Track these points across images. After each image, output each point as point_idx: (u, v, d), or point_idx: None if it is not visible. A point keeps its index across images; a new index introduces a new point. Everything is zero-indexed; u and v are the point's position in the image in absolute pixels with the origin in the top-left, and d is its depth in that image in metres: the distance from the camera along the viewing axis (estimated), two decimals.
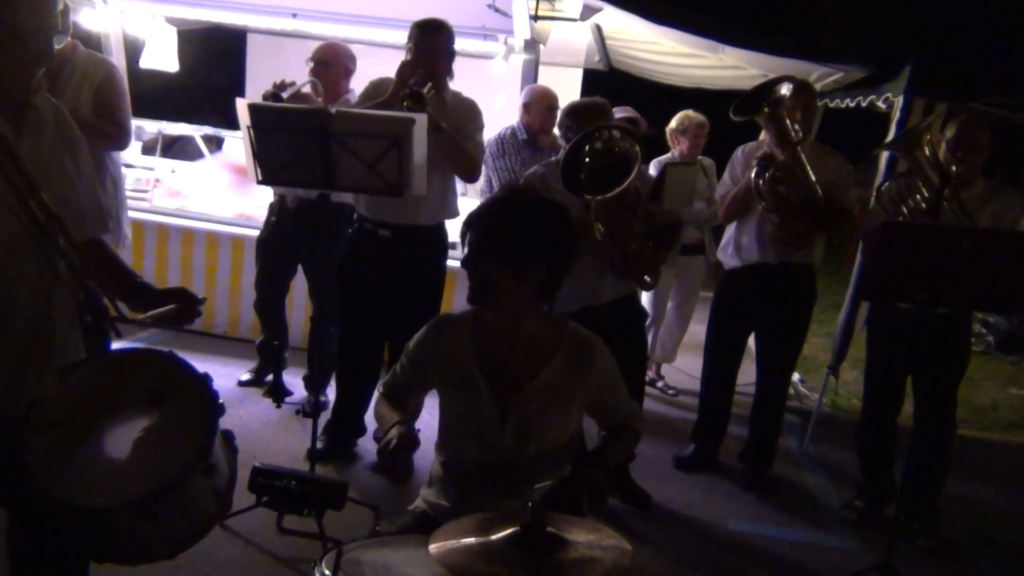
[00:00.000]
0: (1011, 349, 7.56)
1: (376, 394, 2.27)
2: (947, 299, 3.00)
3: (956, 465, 3.75)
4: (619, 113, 4.74)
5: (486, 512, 1.55)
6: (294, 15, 5.09)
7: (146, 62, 5.82)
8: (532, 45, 5.05)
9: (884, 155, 4.49)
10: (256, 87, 7.09)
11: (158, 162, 6.23)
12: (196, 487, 1.66)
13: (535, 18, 5.01)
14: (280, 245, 4.35)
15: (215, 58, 10.72)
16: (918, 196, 3.46)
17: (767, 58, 5.21)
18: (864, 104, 4.96)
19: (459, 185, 4.11)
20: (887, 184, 3.71)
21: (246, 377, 4.69)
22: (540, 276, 2.00)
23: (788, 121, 3.63)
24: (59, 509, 1.59)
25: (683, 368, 5.61)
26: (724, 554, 3.53)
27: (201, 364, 1.75)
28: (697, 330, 5.14)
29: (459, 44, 3.72)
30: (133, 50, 5.78)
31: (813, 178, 3.65)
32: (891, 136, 4.42)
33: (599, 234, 3.30)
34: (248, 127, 3.03)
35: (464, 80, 3.82)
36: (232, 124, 4.60)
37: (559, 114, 3.74)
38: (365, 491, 3.43)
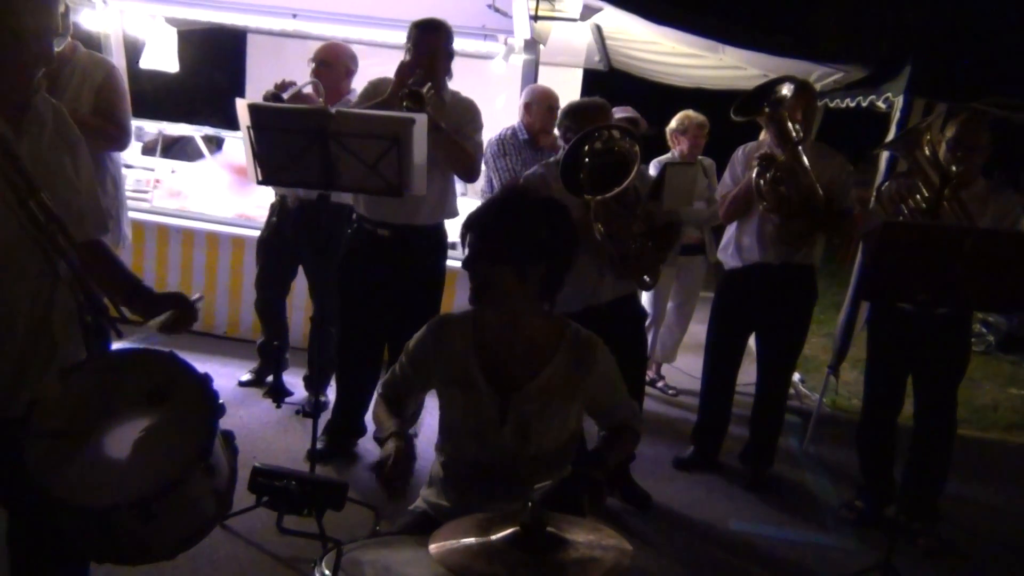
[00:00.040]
0: (1011, 349, 7.57)
1: (376, 395, 2.27)
2: (947, 299, 3.00)
3: (956, 465, 3.75)
4: (619, 113, 4.74)
5: (486, 512, 1.55)
6: (294, 15, 5.09)
7: (146, 62, 5.82)
8: (532, 45, 5.05)
9: (884, 155, 4.49)
10: (256, 87, 7.08)
11: (158, 162, 6.22)
12: (196, 487, 1.67)
13: (535, 18, 5.01)
14: (281, 245, 4.34)
15: (215, 59, 10.72)
16: (918, 196, 3.46)
17: (767, 58, 5.21)
18: (864, 104, 4.95)
19: (459, 185, 4.12)
20: (887, 184, 3.71)
21: (246, 377, 4.69)
22: (541, 275, 2.00)
23: (789, 121, 3.63)
24: (59, 509, 1.59)
25: (683, 368, 5.61)
26: (724, 554, 3.53)
27: (201, 364, 1.75)
28: (697, 330, 5.14)
29: (459, 44, 3.72)
30: (133, 50, 5.78)
31: (814, 178, 3.65)
32: (891, 136, 4.42)
33: (599, 234, 3.30)
34: (248, 127, 3.03)
35: (464, 80, 3.82)
36: (232, 124, 4.60)
37: (558, 114, 3.74)
38: (365, 491, 3.43)
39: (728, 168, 4.00)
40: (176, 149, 7.40)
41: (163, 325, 1.94)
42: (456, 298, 4.75)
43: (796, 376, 5.54)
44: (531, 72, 5.09)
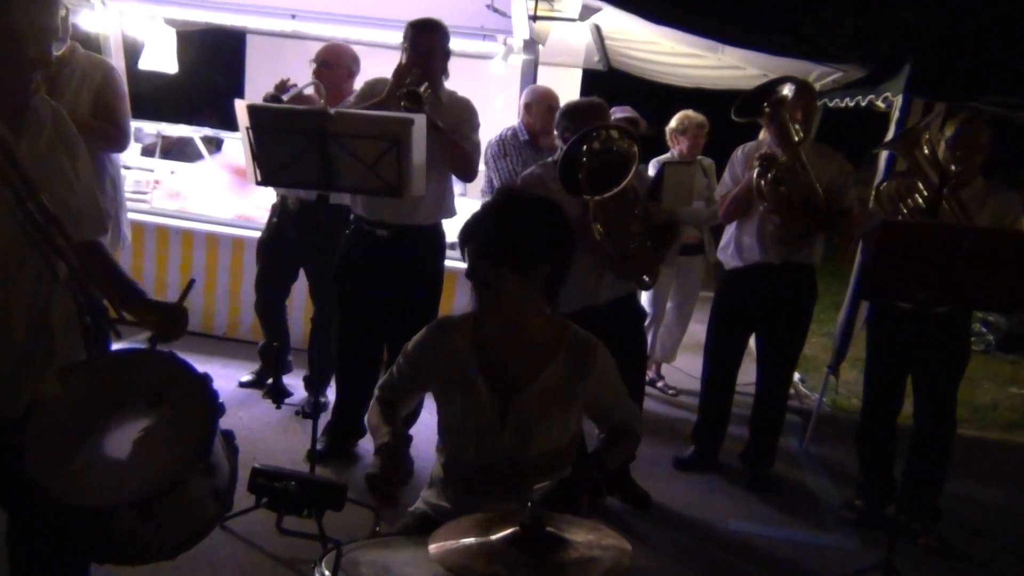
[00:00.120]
0: (1011, 348, 7.57)
1: (372, 399, 2.26)
2: (946, 298, 3.00)
3: (956, 465, 3.75)
4: (618, 113, 4.74)
5: (486, 513, 1.55)
6: (293, 16, 5.09)
7: (145, 63, 5.82)
8: (531, 45, 5.05)
9: (883, 154, 4.49)
10: (255, 88, 7.08)
11: (157, 163, 6.22)
12: (196, 487, 1.67)
13: (534, 18, 5.01)
14: (281, 246, 4.34)
15: (214, 59, 10.72)
16: (917, 195, 3.46)
17: (766, 58, 5.22)
18: (863, 104, 4.95)
19: (459, 186, 4.12)
20: (886, 183, 3.71)
21: (247, 378, 4.69)
22: (545, 275, 2.00)
23: (789, 122, 3.63)
24: (59, 509, 1.59)
25: (683, 368, 5.61)
26: (724, 554, 3.53)
27: (201, 365, 1.75)
28: (697, 330, 5.14)
29: (458, 45, 3.72)
30: (132, 51, 5.78)
31: (814, 178, 3.65)
32: (890, 135, 4.42)
33: (597, 234, 3.30)
34: (247, 128, 3.03)
35: (463, 80, 3.82)
36: (231, 125, 4.61)
37: (556, 115, 3.74)
38: (365, 492, 3.40)
39: (728, 168, 4.00)
40: (175, 150, 7.39)
41: (152, 335, 1.94)
42: (455, 298, 4.75)
43: (796, 376, 5.54)
44: (530, 72, 5.09)
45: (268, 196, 4.57)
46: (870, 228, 3.42)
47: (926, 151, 3.46)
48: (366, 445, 3.96)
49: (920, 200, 3.45)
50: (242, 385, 4.63)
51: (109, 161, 4.03)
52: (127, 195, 4.74)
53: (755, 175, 3.70)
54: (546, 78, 5.28)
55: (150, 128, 6.70)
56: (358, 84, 4.15)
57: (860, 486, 3.95)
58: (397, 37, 3.57)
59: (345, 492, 2.84)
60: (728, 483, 4.15)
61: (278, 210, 4.35)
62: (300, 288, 4.64)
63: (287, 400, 4.16)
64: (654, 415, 4.93)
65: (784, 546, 3.61)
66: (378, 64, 4.12)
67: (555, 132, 3.57)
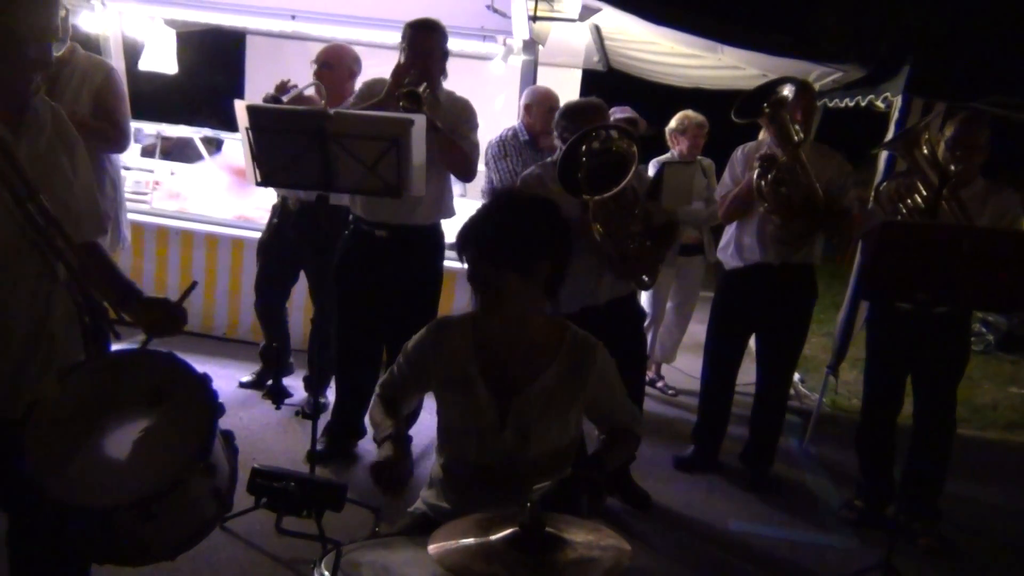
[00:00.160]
0: (1011, 348, 7.57)
1: (373, 395, 2.27)
2: (946, 298, 3.00)
3: (956, 465, 3.75)
4: (618, 113, 4.74)
5: (485, 513, 1.55)
6: (293, 17, 5.09)
7: (145, 64, 5.82)
8: (531, 46, 5.05)
9: (883, 155, 4.49)
10: (255, 89, 7.09)
11: (157, 164, 6.22)
12: (196, 487, 1.67)
13: (534, 19, 5.01)
14: (281, 247, 4.34)
15: (214, 60, 10.72)
16: (917, 196, 3.46)
17: (766, 58, 5.22)
18: (863, 104, 4.95)
19: (459, 186, 4.12)
20: (886, 184, 3.71)
21: (247, 379, 4.69)
22: (545, 274, 2.01)
23: (789, 122, 3.63)
24: (59, 510, 1.59)
25: (683, 368, 5.61)
26: (724, 554, 3.53)
27: (201, 366, 1.75)
28: (696, 330, 5.14)
29: (458, 45, 3.72)
30: (132, 52, 5.78)
31: (814, 178, 3.66)
32: (890, 136, 4.42)
33: (597, 234, 3.30)
34: (247, 129, 3.03)
35: (463, 81, 3.82)
36: (231, 126, 4.61)
37: (554, 115, 3.74)
38: (364, 492, 3.42)
39: (727, 168, 4.00)
40: (175, 151, 7.38)
41: (149, 328, 1.94)
42: (455, 298, 4.75)
43: (796, 376, 5.54)
44: (530, 73, 5.09)
45: (268, 197, 4.56)
46: (870, 228, 3.43)
47: (925, 151, 3.46)
48: (366, 446, 3.96)
49: (920, 200, 3.45)
50: (242, 386, 4.63)
51: (109, 162, 4.04)
52: (127, 196, 4.75)
53: (755, 176, 3.70)
54: (546, 79, 5.28)
55: (150, 129, 6.69)
56: (359, 85, 4.16)
57: (860, 486, 3.95)
58: (397, 38, 3.57)
59: (345, 492, 2.84)
60: (728, 483, 4.14)
61: (278, 211, 4.35)
62: (300, 289, 4.64)
63: (287, 401, 4.17)
64: (654, 415, 4.93)
65: (784, 546, 3.61)
66: (378, 65, 4.12)
67: (554, 133, 3.57)
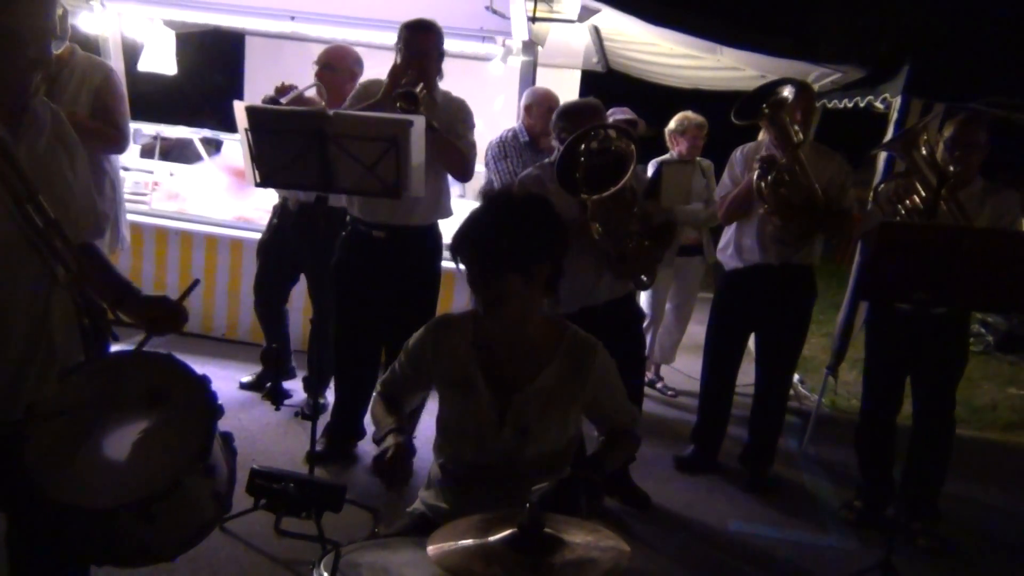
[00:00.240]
0: (1010, 349, 7.56)
1: (374, 393, 2.27)
2: (945, 299, 3.00)
3: (956, 465, 3.75)
4: (618, 115, 4.75)
5: (484, 514, 1.55)
6: (292, 18, 5.10)
7: (144, 65, 5.82)
8: (530, 47, 5.06)
9: (882, 155, 4.50)
10: (254, 90, 7.09)
11: (156, 165, 6.22)
12: (195, 489, 1.67)
13: (533, 20, 5.01)
14: (280, 248, 4.33)
15: (213, 61, 10.73)
16: (916, 196, 3.47)
17: (765, 59, 5.22)
18: (862, 104, 4.96)
19: (458, 187, 4.12)
20: (884, 184, 3.71)
21: (247, 379, 4.68)
22: (546, 273, 2.01)
23: (789, 124, 3.63)
24: (59, 511, 1.59)
25: (682, 369, 5.61)
26: (723, 555, 3.53)
27: (200, 367, 1.75)
28: (696, 331, 5.14)
29: (457, 46, 3.72)
30: (131, 53, 5.79)
31: (814, 179, 3.66)
32: (889, 136, 4.42)
33: (596, 234, 3.30)
34: (246, 130, 3.04)
35: (462, 82, 3.82)
36: (231, 127, 4.61)
37: (552, 116, 3.75)
38: (364, 493, 3.43)
39: (727, 169, 4.00)
40: (174, 152, 7.39)
41: (150, 325, 1.94)
42: (454, 299, 4.75)
43: (795, 377, 5.54)
44: (529, 74, 5.09)
45: (267, 198, 4.56)
46: (869, 229, 3.43)
47: (924, 152, 3.46)
48: (365, 447, 3.96)
49: (918, 201, 3.45)
50: (243, 387, 4.62)
51: (108, 162, 4.04)
52: (126, 197, 4.75)
53: (755, 177, 3.70)
54: (545, 79, 5.29)
55: (149, 129, 6.70)
56: None
57: (859, 487, 3.95)
58: (395, 39, 3.57)
59: (344, 493, 2.83)
60: (728, 484, 4.14)
61: (279, 211, 4.35)
62: (300, 290, 4.64)
63: (286, 402, 4.17)
64: (653, 416, 4.93)
65: (783, 547, 3.61)
66: (377, 66, 4.13)
67: (552, 133, 3.57)
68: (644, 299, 5.17)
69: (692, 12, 5.21)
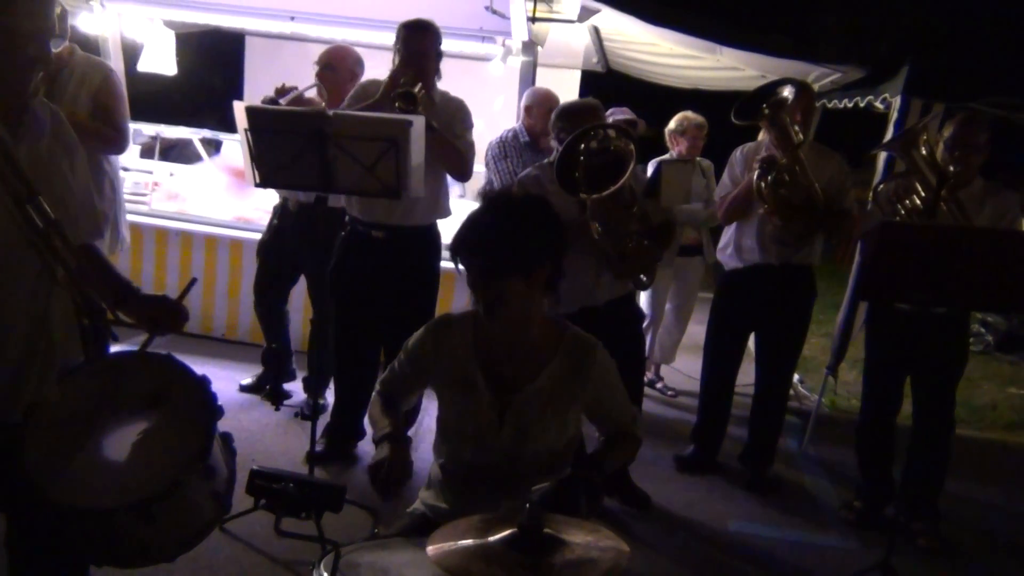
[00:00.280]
0: (1010, 349, 7.57)
1: (373, 393, 2.27)
2: (945, 299, 3.00)
3: (956, 465, 3.75)
4: (617, 115, 4.75)
5: (484, 514, 1.55)
6: (292, 18, 5.10)
7: (144, 65, 5.83)
8: (530, 47, 5.05)
9: (882, 155, 4.50)
10: (254, 90, 7.09)
11: (156, 165, 6.22)
12: (195, 489, 1.67)
13: (533, 20, 5.01)
14: (280, 248, 4.33)
15: (213, 61, 10.72)
16: (915, 196, 3.47)
17: (765, 59, 5.22)
18: (862, 105, 4.96)
19: (458, 187, 4.12)
20: (884, 184, 3.71)
21: (247, 381, 4.67)
22: (547, 273, 2.00)
23: (789, 124, 3.63)
24: (58, 512, 1.59)
25: (682, 369, 5.61)
26: (723, 555, 3.53)
27: (200, 367, 1.75)
28: (696, 331, 5.14)
29: (457, 46, 3.72)
30: (131, 53, 5.79)
31: (814, 180, 3.66)
32: (889, 136, 4.42)
33: (596, 233, 3.30)
34: (246, 130, 3.04)
35: (462, 82, 3.82)
36: (230, 127, 4.61)
37: (551, 117, 3.75)
38: (364, 493, 3.42)
39: (727, 169, 4.00)
40: (174, 152, 7.39)
41: (151, 324, 1.94)
42: (454, 299, 4.75)
43: (795, 377, 5.54)
44: (529, 74, 5.09)
45: (267, 198, 4.56)
46: (869, 229, 3.42)
47: (924, 152, 3.46)
48: (365, 447, 3.96)
49: (918, 201, 3.45)
50: (243, 389, 4.61)
51: (108, 163, 4.04)
52: (126, 197, 4.75)
53: (755, 177, 3.70)
54: (545, 80, 5.29)
55: (149, 130, 6.70)
56: None
57: (859, 487, 3.95)
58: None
59: (344, 494, 2.82)
60: (728, 484, 4.14)
61: (279, 212, 4.34)
62: (299, 290, 4.64)
63: (286, 402, 4.17)
64: (653, 416, 4.93)
65: (783, 547, 3.61)
66: (377, 66, 4.13)
67: (551, 133, 3.57)
68: (644, 299, 5.17)
69: (692, 12, 5.22)
